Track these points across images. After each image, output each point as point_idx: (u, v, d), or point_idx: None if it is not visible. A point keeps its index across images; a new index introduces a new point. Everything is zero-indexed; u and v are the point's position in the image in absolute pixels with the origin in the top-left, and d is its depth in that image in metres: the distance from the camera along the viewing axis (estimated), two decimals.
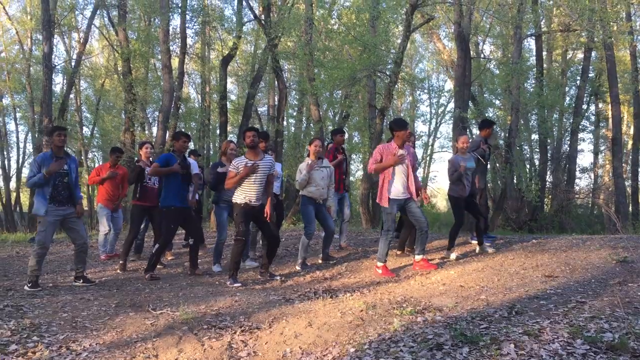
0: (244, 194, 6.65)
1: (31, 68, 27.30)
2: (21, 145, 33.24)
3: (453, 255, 7.59)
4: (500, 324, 4.28)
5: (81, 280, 6.96)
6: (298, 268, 7.66)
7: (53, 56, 19.46)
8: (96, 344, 4.21)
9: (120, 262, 8.18)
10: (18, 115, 32.29)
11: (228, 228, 8.18)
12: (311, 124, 25.21)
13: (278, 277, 7.03)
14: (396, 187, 6.74)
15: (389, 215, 6.75)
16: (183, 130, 28.10)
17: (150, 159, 8.72)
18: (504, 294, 5.27)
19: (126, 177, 9.30)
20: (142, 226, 8.74)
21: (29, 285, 6.54)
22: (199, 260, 8.06)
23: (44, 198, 6.43)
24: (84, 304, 5.61)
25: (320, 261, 8.02)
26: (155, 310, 5.21)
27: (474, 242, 8.42)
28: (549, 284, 5.58)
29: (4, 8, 26.81)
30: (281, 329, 4.54)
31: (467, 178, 7.72)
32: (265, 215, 6.78)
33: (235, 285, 6.56)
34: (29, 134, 31.60)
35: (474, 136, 27.64)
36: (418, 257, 6.98)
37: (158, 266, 7.90)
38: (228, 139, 20.33)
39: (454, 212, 7.91)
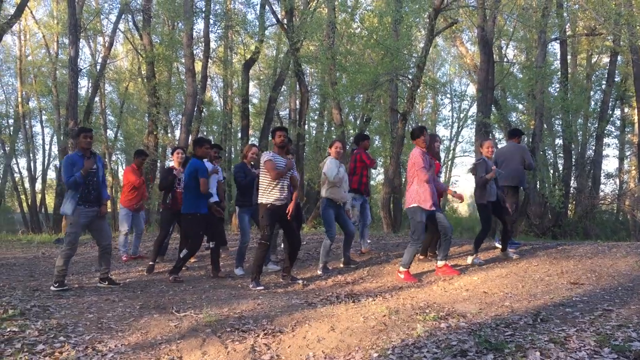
0: (270, 194, 6.65)
1: (57, 71, 27.77)
2: (47, 147, 33.84)
3: (474, 260, 7.51)
4: (526, 331, 4.23)
5: (106, 282, 7.04)
6: (319, 272, 7.63)
7: (79, 60, 19.76)
8: (121, 345, 4.26)
9: (150, 263, 8.28)
10: (44, 117, 32.90)
11: (251, 231, 8.22)
12: (332, 128, 25.22)
13: (300, 281, 7.01)
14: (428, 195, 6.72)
15: (419, 224, 6.66)
16: (205, 135, 28.37)
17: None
18: (528, 301, 5.22)
19: (144, 180, 9.49)
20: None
21: (55, 285, 6.62)
22: (221, 263, 8.11)
23: (74, 198, 6.51)
24: (109, 305, 5.68)
25: (341, 265, 8.02)
26: (179, 313, 5.25)
27: (499, 245, 8.38)
28: (575, 291, 5.52)
29: (31, 12, 27.30)
30: (304, 332, 4.55)
31: (494, 184, 7.63)
32: (287, 212, 6.75)
33: (258, 288, 6.56)
34: (54, 137, 32.13)
35: (497, 141, 27.42)
36: (441, 263, 6.92)
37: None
38: (250, 142, 20.46)
39: (480, 218, 7.81)
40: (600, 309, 4.77)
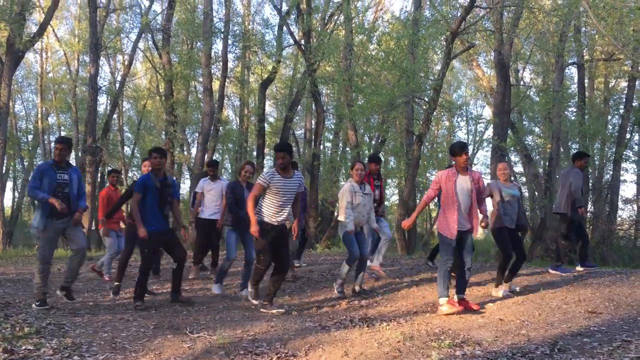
0: (269, 213, 6.34)
1: (77, 88, 28.19)
2: None
3: (500, 292, 7.03)
4: None
5: (64, 292, 6.80)
6: (335, 288, 7.54)
7: (98, 77, 20.08)
8: None
9: (116, 283, 7.93)
10: (63, 133, 33.28)
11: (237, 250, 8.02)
12: (347, 148, 25.29)
13: (283, 309, 6.50)
14: (460, 219, 6.19)
15: (448, 246, 6.20)
16: (220, 153, 28.57)
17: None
18: (545, 330, 5.15)
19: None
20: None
21: (36, 303, 6.44)
22: (225, 284, 8.06)
23: (43, 212, 6.37)
24: (123, 324, 5.69)
25: (357, 288, 7.58)
26: (193, 334, 5.25)
27: (552, 272, 8.36)
28: (593, 321, 5.43)
29: (53, 30, 27.82)
30: (317, 357, 4.52)
31: (511, 207, 7.20)
32: (292, 231, 6.56)
33: (275, 311, 6.36)
34: (72, 153, 32.49)
35: (513, 164, 27.29)
36: (458, 297, 6.32)
37: (149, 296, 7.55)
38: (247, 160, 20.59)
39: (497, 244, 7.45)
40: (619, 340, 4.70)
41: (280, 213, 6.35)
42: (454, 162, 6.36)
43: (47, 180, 6.39)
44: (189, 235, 7.64)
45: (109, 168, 19.15)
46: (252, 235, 6.27)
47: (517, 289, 7.29)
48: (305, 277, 9.05)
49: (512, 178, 7.79)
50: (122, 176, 26.87)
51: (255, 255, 6.52)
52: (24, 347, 4.49)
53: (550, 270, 8.52)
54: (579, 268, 8.63)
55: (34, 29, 21.76)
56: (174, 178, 8.06)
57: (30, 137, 32.76)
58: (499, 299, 6.84)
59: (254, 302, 6.59)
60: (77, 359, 4.34)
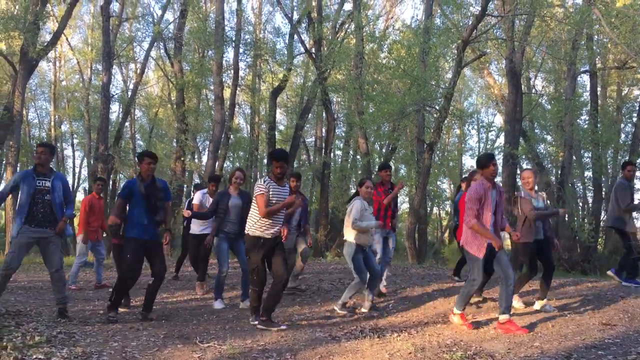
0: (258, 225, 5.96)
1: (89, 96, 28.43)
2: (77, 170, 34.46)
3: (515, 304, 6.63)
4: None
5: (63, 316, 6.44)
6: (336, 309, 7.00)
7: (111, 86, 20.23)
8: None
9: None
10: (75, 141, 33.59)
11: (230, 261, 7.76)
12: (358, 156, 25.27)
13: (284, 327, 6.00)
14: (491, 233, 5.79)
15: (476, 263, 5.80)
16: (231, 161, 28.63)
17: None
18: (559, 342, 5.09)
19: (102, 208, 9.33)
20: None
21: None
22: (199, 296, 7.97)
23: (20, 218, 6.17)
24: (133, 333, 5.68)
25: (364, 310, 7.09)
26: (203, 343, 5.23)
27: (618, 279, 8.16)
28: (607, 333, 5.36)
29: (66, 39, 28.09)
30: None
31: (537, 221, 6.67)
32: (282, 234, 6.19)
33: (275, 328, 5.86)
34: (85, 160, 32.74)
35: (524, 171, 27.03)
36: (503, 318, 5.70)
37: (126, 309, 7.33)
38: (237, 167, 20.59)
39: (522, 258, 6.96)
40: (634, 353, 4.63)
41: (274, 225, 6.02)
42: (475, 175, 6.14)
43: (26, 187, 6.18)
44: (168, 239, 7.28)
45: (120, 175, 19.26)
46: (247, 251, 6.03)
47: (553, 309, 6.60)
48: (316, 287, 9.01)
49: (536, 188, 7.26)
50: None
51: (249, 275, 6.08)
52: (34, 356, 4.50)
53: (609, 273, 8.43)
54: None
55: (48, 37, 22.01)
56: (166, 180, 7.57)
57: None
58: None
59: (281, 327, 5.94)
60: None
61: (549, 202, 7.38)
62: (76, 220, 9.00)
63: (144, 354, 4.84)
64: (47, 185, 6.29)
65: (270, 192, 5.94)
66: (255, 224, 5.98)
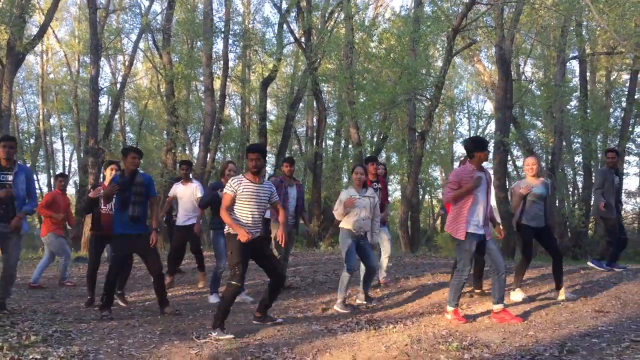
0: (242, 224, 5.57)
1: (78, 89, 28.19)
2: (67, 164, 34.26)
3: (518, 296, 6.55)
4: None
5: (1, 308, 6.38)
6: (338, 309, 6.69)
7: (99, 78, 20.06)
8: None
9: (88, 297, 7.39)
10: (64, 134, 33.37)
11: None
12: (350, 145, 25.27)
13: (280, 320, 6.02)
14: (477, 219, 5.67)
15: (465, 252, 5.65)
16: (222, 152, 28.54)
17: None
18: (553, 330, 5.13)
19: (67, 204, 9.12)
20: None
21: None
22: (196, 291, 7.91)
23: None
24: (129, 330, 5.68)
25: (358, 301, 7.12)
26: (199, 339, 5.24)
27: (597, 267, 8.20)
28: (600, 320, 5.41)
29: (53, 31, 27.80)
30: None
31: (537, 206, 6.60)
32: (278, 240, 5.73)
33: (224, 337, 5.27)
34: (74, 153, 32.55)
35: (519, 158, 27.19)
36: (497, 307, 5.70)
37: (121, 303, 7.33)
38: (228, 159, 20.49)
39: (520, 244, 6.96)
40: (627, 340, 4.68)
41: (255, 224, 5.64)
42: (468, 159, 5.87)
43: None
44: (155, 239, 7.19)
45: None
46: (235, 244, 5.49)
47: (576, 297, 6.51)
48: (310, 278, 9.04)
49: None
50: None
51: (229, 267, 5.59)
52: (31, 356, 4.49)
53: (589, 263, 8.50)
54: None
55: (34, 30, 21.75)
56: (151, 176, 7.28)
57: (32, 139, 32.76)
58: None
59: (221, 337, 5.29)
60: None
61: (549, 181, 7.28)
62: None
63: (141, 351, 4.84)
64: (9, 179, 6.20)
65: (241, 191, 5.56)
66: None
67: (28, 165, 29.93)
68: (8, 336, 5.15)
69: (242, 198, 5.57)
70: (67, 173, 33.25)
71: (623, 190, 22.96)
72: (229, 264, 5.57)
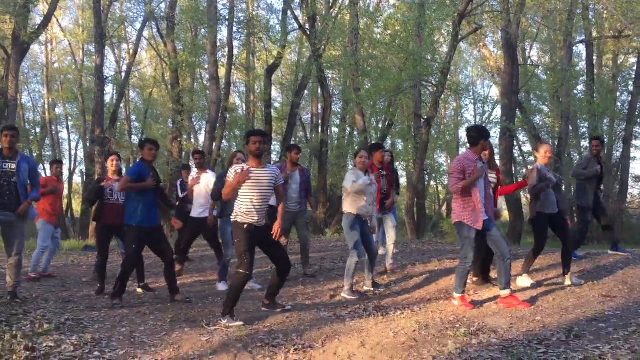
0: (246, 211, 5.55)
1: (83, 78, 28.19)
2: (72, 153, 34.34)
3: (526, 282, 6.59)
4: (559, 348, 4.20)
5: (9, 297, 6.46)
6: (345, 296, 6.73)
7: (104, 67, 20.06)
8: None
9: (99, 285, 7.47)
10: (70, 124, 33.41)
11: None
12: (355, 132, 25.24)
13: (289, 307, 6.11)
14: (483, 207, 5.72)
15: (467, 240, 5.70)
16: (228, 140, 28.54)
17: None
18: (560, 315, 5.17)
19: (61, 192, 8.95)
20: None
21: None
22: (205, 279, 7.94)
23: None
24: (140, 318, 5.75)
25: (365, 288, 7.19)
26: (209, 326, 5.30)
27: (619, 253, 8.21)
28: (607, 305, 5.45)
29: (57, 21, 27.77)
30: (334, 348, 4.57)
31: (552, 193, 6.60)
32: (273, 234, 5.69)
33: (234, 324, 5.32)
34: (80, 143, 32.61)
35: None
36: (505, 292, 5.73)
37: (149, 292, 7.43)
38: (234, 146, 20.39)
39: (534, 232, 6.89)
40: (634, 324, 4.72)
41: (259, 211, 5.58)
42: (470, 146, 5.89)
43: None
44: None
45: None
46: (242, 233, 5.51)
47: (582, 282, 6.53)
48: (317, 266, 9.10)
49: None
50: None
51: (237, 256, 5.58)
52: (45, 344, 4.55)
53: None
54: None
55: (38, 20, 21.77)
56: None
57: (38, 129, 32.84)
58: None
59: (231, 324, 5.34)
60: (97, 355, 4.39)
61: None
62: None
63: (153, 339, 4.90)
64: (12, 167, 6.27)
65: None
66: (240, 210, 5.58)
67: (35, 154, 30.09)
68: (22, 324, 5.22)
69: (245, 184, 5.51)
70: (74, 162, 33.50)
71: (630, 175, 22.92)
72: (237, 252, 5.56)
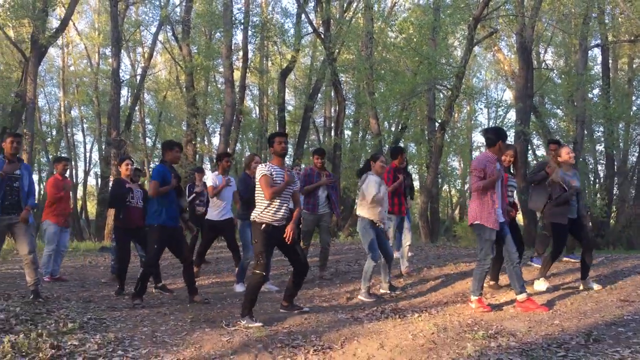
0: (267, 212, 5.61)
1: (98, 81, 28.48)
2: (87, 155, 34.67)
3: (542, 286, 6.57)
4: (579, 352, 4.22)
5: (32, 296, 6.52)
6: (362, 298, 6.78)
7: (119, 71, 20.28)
8: None
9: (118, 287, 7.53)
10: (85, 126, 33.77)
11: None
12: (368, 136, 25.26)
13: (307, 309, 6.15)
14: (499, 208, 5.77)
15: (487, 242, 5.71)
16: (241, 143, 28.68)
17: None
18: (578, 319, 5.18)
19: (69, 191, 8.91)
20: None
21: None
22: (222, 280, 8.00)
23: None
24: (161, 318, 5.83)
25: (382, 290, 7.21)
26: (229, 327, 5.36)
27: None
28: (626, 309, 5.44)
29: (73, 24, 28.09)
30: (353, 350, 4.60)
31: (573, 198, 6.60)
32: (285, 237, 5.68)
33: (253, 325, 5.36)
34: (95, 145, 32.93)
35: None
36: (521, 297, 5.70)
37: (166, 293, 7.52)
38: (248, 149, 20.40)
39: (553, 238, 6.75)
40: None
41: (281, 211, 5.65)
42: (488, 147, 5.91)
43: None
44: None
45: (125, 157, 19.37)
46: (260, 233, 5.57)
47: (595, 286, 6.47)
48: (333, 268, 9.14)
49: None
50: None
51: (254, 257, 5.66)
52: (69, 343, 4.63)
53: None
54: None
55: (56, 24, 22.02)
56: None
57: (54, 131, 33.19)
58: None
59: (251, 325, 5.39)
60: (121, 354, 4.47)
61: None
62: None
63: (174, 338, 4.97)
64: (17, 172, 6.45)
65: (274, 174, 5.62)
66: (262, 210, 5.62)
67: (51, 156, 30.41)
68: (46, 323, 5.31)
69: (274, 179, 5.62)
70: (89, 164, 33.77)
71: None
72: (254, 252, 5.66)
